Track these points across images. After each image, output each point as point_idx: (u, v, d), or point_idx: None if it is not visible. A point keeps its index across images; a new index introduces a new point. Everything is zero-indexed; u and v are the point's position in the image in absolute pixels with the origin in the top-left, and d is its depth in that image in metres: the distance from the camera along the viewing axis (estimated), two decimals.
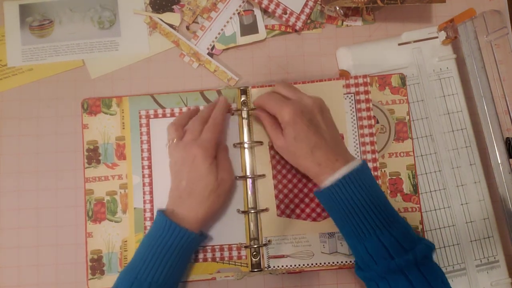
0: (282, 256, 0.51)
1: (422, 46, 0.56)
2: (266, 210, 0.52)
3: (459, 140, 0.55)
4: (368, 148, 0.52)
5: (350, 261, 0.50)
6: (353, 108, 0.53)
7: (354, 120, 0.53)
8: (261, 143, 0.53)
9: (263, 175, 0.52)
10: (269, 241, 0.51)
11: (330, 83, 0.54)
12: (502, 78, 0.52)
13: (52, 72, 0.57)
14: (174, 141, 0.49)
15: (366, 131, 0.53)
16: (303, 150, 0.45)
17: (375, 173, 0.52)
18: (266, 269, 0.51)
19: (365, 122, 0.53)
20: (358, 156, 0.52)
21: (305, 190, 0.52)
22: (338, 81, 0.53)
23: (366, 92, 0.53)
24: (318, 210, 0.52)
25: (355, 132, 0.53)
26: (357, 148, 0.53)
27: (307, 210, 0.52)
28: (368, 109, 0.53)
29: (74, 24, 0.58)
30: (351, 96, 0.53)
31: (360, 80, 0.53)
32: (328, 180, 0.43)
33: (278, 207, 0.52)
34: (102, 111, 0.55)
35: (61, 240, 0.54)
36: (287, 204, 0.52)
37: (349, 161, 0.44)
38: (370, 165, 0.52)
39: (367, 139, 0.53)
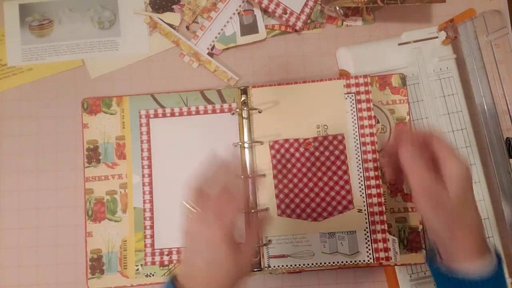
0: (283, 256, 0.51)
1: (422, 46, 0.56)
2: (266, 209, 0.52)
3: (459, 140, 0.55)
4: (369, 148, 0.52)
5: (351, 261, 0.50)
6: (353, 108, 0.53)
7: (354, 120, 0.53)
8: (261, 142, 0.53)
9: (264, 175, 0.52)
10: (269, 240, 0.51)
11: (331, 83, 0.53)
12: (502, 78, 0.52)
13: (52, 72, 0.57)
14: (196, 211, 0.42)
15: (367, 131, 0.52)
16: (460, 215, 0.37)
17: (376, 173, 0.52)
18: (266, 269, 0.51)
19: (366, 122, 0.52)
20: (358, 156, 0.52)
21: (306, 190, 0.52)
22: (338, 81, 0.53)
23: (367, 92, 0.53)
24: (319, 210, 0.51)
25: (356, 132, 0.52)
26: (358, 148, 0.52)
27: (308, 210, 0.52)
28: (368, 109, 0.53)
29: (74, 24, 0.58)
30: (352, 96, 0.53)
31: (361, 80, 0.53)
32: (469, 265, 0.37)
33: (278, 206, 0.52)
34: (102, 110, 0.55)
35: (61, 239, 0.54)
36: (287, 204, 0.52)
37: (489, 252, 0.38)
38: (370, 165, 0.52)
39: (368, 139, 0.52)
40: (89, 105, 0.55)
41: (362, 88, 0.53)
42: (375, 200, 0.51)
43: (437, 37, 0.56)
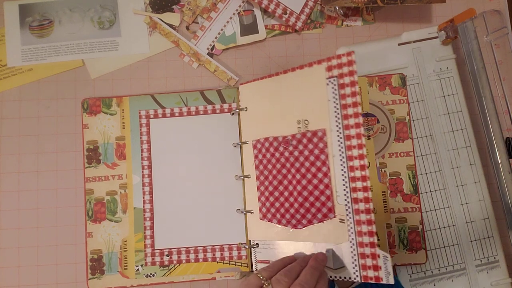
0: (268, 262, 0.49)
1: (422, 46, 0.56)
2: (251, 212, 0.50)
3: (459, 140, 0.55)
4: (354, 142, 0.42)
5: (335, 277, 0.43)
6: (336, 94, 0.43)
7: (337, 109, 0.43)
8: (247, 142, 0.52)
9: (248, 176, 0.51)
10: (256, 244, 0.50)
11: (312, 68, 0.45)
12: (502, 78, 0.52)
13: (52, 72, 0.57)
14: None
15: (352, 121, 0.42)
16: None
17: (363, 173, 0.42)
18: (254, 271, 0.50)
19: (350, 111, 0.42)
20: (342, 153, 0.43)
21: (286, 193, 0.47)
22: (320, 65, 0.44)
23: (351, 73, 0.42)
24: (298, 216, 0.45)
25: (339, 123, 0.43)
26: (342, 143, 0.43)
27: (287, 216, 0.46)
28: (353, 94, 0.42)
29: (74, 24, 0.58)
30: (334, 80, 0.43)
31: (344, 59, 0.42)
32: None
33: (260, 210, 0.49)
34: (102, 111, 0.55)
35: (61, 240, 0.54)
36: (268, 208, 0.48)
37: None
38: (356, 163, 0.42)
39: (353, 131, 0.42)
40: (89, 106, 0.55)
41: (345, 69, 0.42)
42: (362, 206, 0.41)
43: (437, 37, 0.56)
